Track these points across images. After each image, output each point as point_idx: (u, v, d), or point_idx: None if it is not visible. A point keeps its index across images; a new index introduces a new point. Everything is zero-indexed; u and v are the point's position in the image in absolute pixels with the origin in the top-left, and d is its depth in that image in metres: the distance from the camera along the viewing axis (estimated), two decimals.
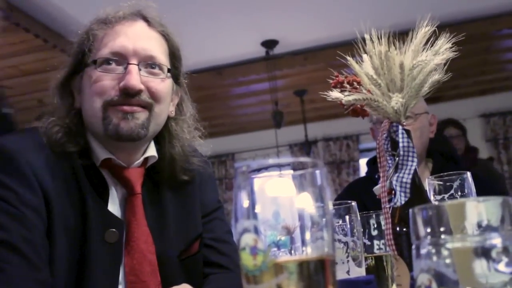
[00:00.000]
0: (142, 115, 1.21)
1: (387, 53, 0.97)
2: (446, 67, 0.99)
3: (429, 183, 1.13)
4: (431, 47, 0.99)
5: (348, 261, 1.02)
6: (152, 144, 1.31)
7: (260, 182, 0.57)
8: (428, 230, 0.52)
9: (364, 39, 0.99)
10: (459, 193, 1.11)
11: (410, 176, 0.95)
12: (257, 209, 0.56)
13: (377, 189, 1.01)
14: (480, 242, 0.49)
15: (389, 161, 0.99)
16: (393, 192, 0.96)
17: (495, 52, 5.65)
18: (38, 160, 1.15)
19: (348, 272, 1.02)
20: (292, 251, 0.57)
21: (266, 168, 0.59)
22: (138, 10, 1.27)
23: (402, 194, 0.94)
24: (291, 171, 0.58)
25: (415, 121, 1.92)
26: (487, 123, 6.55)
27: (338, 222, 1.04)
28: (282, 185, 0.58)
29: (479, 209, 0.51)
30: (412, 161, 0.96)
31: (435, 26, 0.99)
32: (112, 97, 1.18)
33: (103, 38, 1.22)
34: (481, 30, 4.77)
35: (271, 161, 0.60)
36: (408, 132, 0.98)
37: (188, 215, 1.34)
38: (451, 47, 0.98)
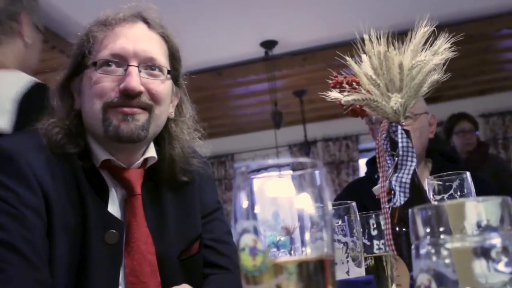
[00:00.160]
0: (142, 117, 1.21)
1: (386, 53, 0.97)
2: (445, 67, 0.99)
3: (429, 183, 1.13)
4: (430, 47, 0.99)
5: (347, 261, 1.02)
6: (152, 145, 1.31)
7: (260, 182, 0.58)
8: (428, 230, 0.52)
9: (363, 39, 0.99)
10: (459, 193, 1.11)
11: (410, 176, 0.95)
12: (257, 210, 0.56)
13: (376, 189, 1.01)
14: (479, 242, 0.49)
15: (389, 161, 0.99)
16: (393, 192, 0.96)
17: (494, 52, 5.66)
18: (38, 161, 1.15)
19: (347, 272, 1.02)
20: (292, 252, 0.57)
21: (266, 168, 0.60)
22: (138, 11, 1.27)
23: (402, 194, 0.94)
24: (291, 172, 0.58)
25: (415, 121, 1.92)
26: (486, 123, 6.55)
27: (338, 222, 1.04)
28: (282, 186, 0.58)
29: (478, 209, 0.51)
30: (412, 161, 0.96)
31: (434, 26, 0.99)
32: (112, 98, 1.18)
33: (103, 40, 1.22)
34: (480, 30, 4.78)
35: (270, 161, 0.60)
36: (407, 132, 0.98)
37: (188, 215, 1.34)
38: (450, 47, 0.98)
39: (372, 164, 2.20)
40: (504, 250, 0.49)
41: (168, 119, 1.31)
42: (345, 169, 6.87)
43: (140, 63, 1.21)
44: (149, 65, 1.23)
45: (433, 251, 0.51)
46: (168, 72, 1.26)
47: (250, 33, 4.71)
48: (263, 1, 4.18)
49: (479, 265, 0.48)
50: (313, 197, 0.57)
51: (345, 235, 1.03)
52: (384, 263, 1.08)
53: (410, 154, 0.97)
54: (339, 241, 1.03)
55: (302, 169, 0.58)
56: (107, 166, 1.24)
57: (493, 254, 0.48)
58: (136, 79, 1.18)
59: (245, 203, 0.57)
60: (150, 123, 1.22)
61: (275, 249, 0.56)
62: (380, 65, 0.98)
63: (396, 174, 0.96)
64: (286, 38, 4.86)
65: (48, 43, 3.96)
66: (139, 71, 1.20)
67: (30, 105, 1.56)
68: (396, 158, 0.97)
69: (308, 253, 0.57)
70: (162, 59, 1.26)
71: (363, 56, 1.01)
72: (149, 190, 1.29)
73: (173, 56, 1.30)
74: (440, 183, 1.12)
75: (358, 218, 1.06)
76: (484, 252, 0.48)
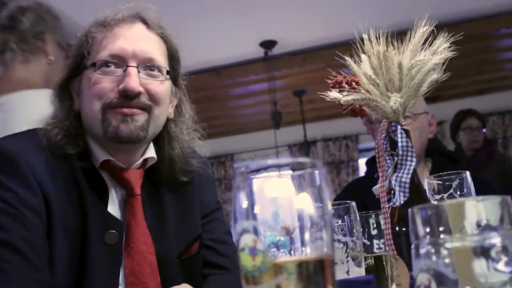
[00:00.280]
0: (141, 117, 1.21)
1: (386, 53, 0.97)
2: (444, 66, 0.99)
3: (428, 183, 1.13)
4: (429, 46, 0.99)
5: (347, 261, 1.02)
6: (151, 145, 1.32)
7: (259, 182, 0.58)
8: (427, 229, 0.52)
9: (362, 39, 0.99)
10: (458, 193, 1.11)
11: (409, 176, 0.95)
12: (256, 210, 0.56)
13: (376, 189, 1.01)
14: (479, 242, 0.49)
15: (388, 161, 0.99)
16: (392, 191, 0.96)
17: (493, 52, 5.66)
18: (38, 162, 1.15)
19: (347, 272, 1.02)
20: (292, 252, 0.57)
21: (265, 168, 0.60)
22: (137, 12, 1.27)
23: (401, 193, 0.94)
24: (290, 172, 0.58)
25: (414, 121, 1.92)
26: (486, 123, 6.55)
27: (338, 222, 1.04)
28: (281, 186, 0.58)
29: (478, 209, 0.51)
30: (411, 160, 0.96)
31: (433, 26, 0.99)
32: (111, 99, 1.18)
33: (102, 40, 1.22)
34: (479, 30, 4.78)
35: (270, 161, 0.60)
36: (407, 132, 0.98)
37: (188, 216, 1.34)
38: (449, 47, 0.98)
39: (371, 164, 2.19)
40: (504, 249, 0.49)
41: (168, 120, 1.31)
42: (345, 169, 6.87)
43: (139, 63, 1.21)
44: (148, 65, 1.23)
45: (433, 250, 0.51)
46: (167, 72, 1.26)
47: (249, 33, 4.71)
48: (262, 1, 4.18)
49: (479, 265, 0.48)
50: (312, 197, 0.57)
51: (345, 235, 1.03)
52: (384, 263, 1.07)
53: (409, 153, 0.97)
54: (339, 241, 1.03)
55: (301, 169, 0.58)
56: (106, 166, 1.24)
57: (493, 253, 0.48)
58: (135, 80, 1.18)
59: (244, 203, 0.57)
60: (150, 123, 1.22)
61: (275, 249, 0.56)
62: (380, 64, 0.98)
63: (395, 174, 0.96)
64: (286, 38, 4.86)
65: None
66: (138, 72, 1.20)
67: None
68: (396, 158, 0.97)
69: (308, 253, 0.57)
70: (161, 59, 1.26)
71: (363, 56, 1.01)
72: (148, 190, 1.29)
73: (172, 57, 1.30)
74: (440, 182, 1.12)
75: (358, 218, 1.06)
76: (484, 252, 0.48)
